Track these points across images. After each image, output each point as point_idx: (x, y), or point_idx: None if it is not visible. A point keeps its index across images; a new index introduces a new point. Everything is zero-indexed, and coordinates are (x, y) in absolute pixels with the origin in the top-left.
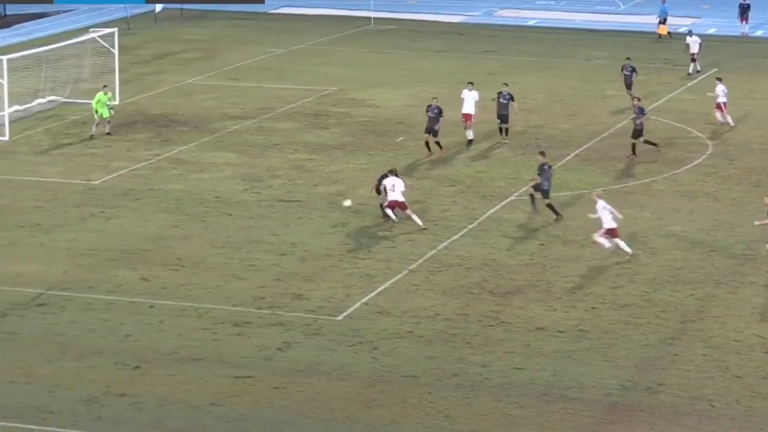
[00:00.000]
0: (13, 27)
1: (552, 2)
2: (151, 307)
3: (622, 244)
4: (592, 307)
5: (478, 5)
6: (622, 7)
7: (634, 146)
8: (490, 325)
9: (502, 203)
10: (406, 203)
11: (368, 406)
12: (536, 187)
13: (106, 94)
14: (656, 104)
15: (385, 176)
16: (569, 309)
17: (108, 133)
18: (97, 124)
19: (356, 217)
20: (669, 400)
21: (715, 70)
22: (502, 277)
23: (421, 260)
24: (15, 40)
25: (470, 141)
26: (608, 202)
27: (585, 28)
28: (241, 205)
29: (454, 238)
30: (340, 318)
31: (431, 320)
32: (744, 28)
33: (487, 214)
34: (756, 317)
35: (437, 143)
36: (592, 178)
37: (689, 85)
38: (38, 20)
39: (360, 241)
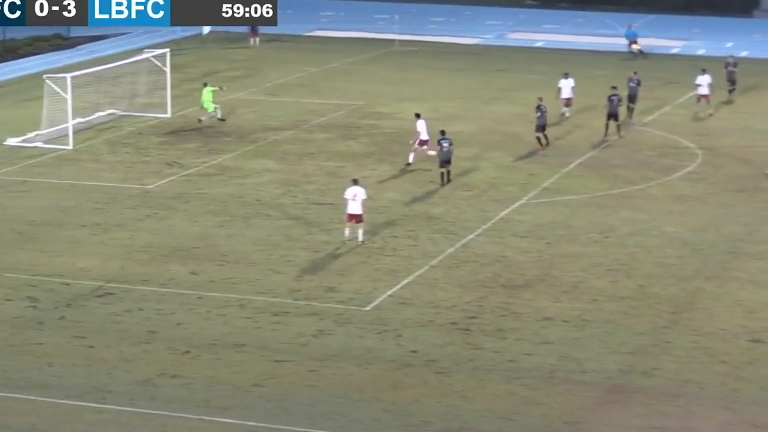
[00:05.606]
0: (75, 48)
1: (557, 26)
2: (200, 298)
3: None
4: (594, 300)
5: (492, 29)
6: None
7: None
8: (503, 316)
9: (513, 206)
10: (362, 217)
11: (393, 387)
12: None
13: (211, 88)
14: (650, 118)
15: None
16: (573, 301)
17: (221, 119)
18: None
19: (382, 218)
20: (663, 383)
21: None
22: (513, 272)
23: (440, 257)
24: (77, 59)
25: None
26: None
27: (588, 49)
28: (279, 207)
29: (471, 237)
30: (368, 308)
31: (450, 310)
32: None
33: (499, 216)
34: (741, 309)
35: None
36: (594, 184)
37: (680, 101)
38: (98, 41)
39: (386, 239)
